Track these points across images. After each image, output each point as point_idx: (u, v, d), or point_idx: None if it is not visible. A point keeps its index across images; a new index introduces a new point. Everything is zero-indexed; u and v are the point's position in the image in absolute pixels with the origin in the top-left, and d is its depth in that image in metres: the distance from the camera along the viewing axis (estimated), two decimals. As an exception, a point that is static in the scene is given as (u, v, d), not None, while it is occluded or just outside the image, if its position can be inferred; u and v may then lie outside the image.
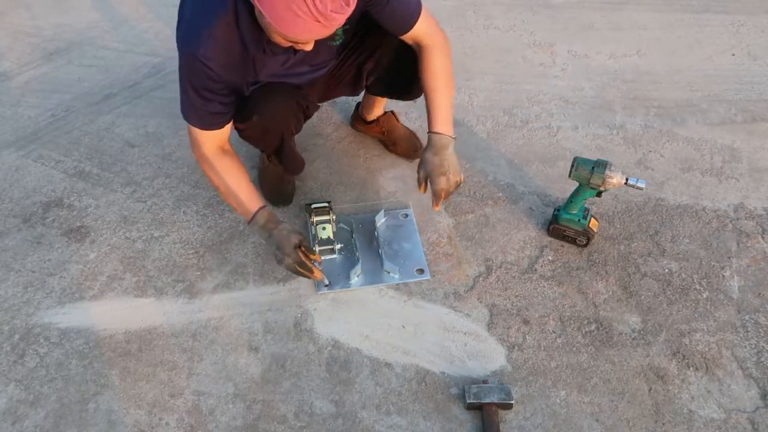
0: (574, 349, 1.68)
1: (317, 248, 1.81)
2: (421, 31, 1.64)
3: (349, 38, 1.73)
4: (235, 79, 1.56)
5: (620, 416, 1.55)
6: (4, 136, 2.31)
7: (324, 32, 1.35)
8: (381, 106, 2.15)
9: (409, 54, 1.70)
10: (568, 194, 1.88)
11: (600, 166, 1.75)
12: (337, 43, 1.66)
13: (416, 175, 1.72)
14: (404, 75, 1.76)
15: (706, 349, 1.68)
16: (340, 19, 1.33)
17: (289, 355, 1.68)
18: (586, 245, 1.90)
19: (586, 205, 1.87)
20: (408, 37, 1.66)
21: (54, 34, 2.79)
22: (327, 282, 1.81)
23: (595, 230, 1.89)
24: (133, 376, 1.63)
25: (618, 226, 1.98)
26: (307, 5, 1.27)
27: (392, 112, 2.19)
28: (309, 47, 1.43)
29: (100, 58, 2.66)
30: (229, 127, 1.64)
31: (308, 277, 1.71)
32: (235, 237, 1.96)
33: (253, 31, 1.46)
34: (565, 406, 1.57)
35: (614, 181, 1.74)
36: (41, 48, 2.71)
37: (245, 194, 1.67)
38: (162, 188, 2.11)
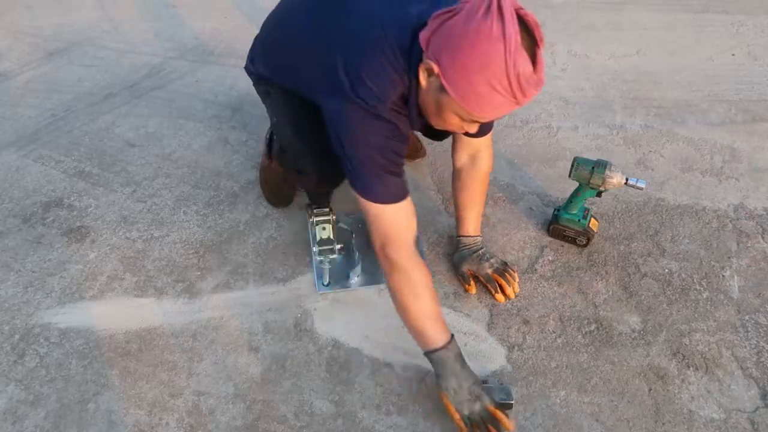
0: (574, 349, 1.68)
1: (317, 248, 1.81)
2: (485, 140, 1.69)
3: None
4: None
5: (620, 416, 1.55)
6: (4, 136, 2.31)
7: (511, 110, 1.26)
8: None
9: None
10: (568, 194, 1.88)
11: (600, 166, 1.75)
12: None
13: (453, 260, 1.82)
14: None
15: (706, 349, 1.68)
16: (533, 96, 1.22)
17: (289, 355, 1.68)
18: (586, 245, 1.90)
19: (586, 205, 1.87)
20: (471, 139, 1.66)
21: (54, 34, 2.79)
22: (327, 281, 1.81)
23: (595, 230, 1.89)
24: (133, 376, 1.63)
25: (618, 226, 1.98)
26: (510, 83, 1.16)
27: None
28: (474, 129, 1.38)
29: (100, 58, 2.66)
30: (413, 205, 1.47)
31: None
32: (235, 237, 1.96)
33: (414, 107, 1.37)
34: (565, 406, 1.57)
35: (614, 181, 1.74)
36: (41, 48, 2.71)
37: (441, 318, 1.50)
38: (162, 188, 2.11)
